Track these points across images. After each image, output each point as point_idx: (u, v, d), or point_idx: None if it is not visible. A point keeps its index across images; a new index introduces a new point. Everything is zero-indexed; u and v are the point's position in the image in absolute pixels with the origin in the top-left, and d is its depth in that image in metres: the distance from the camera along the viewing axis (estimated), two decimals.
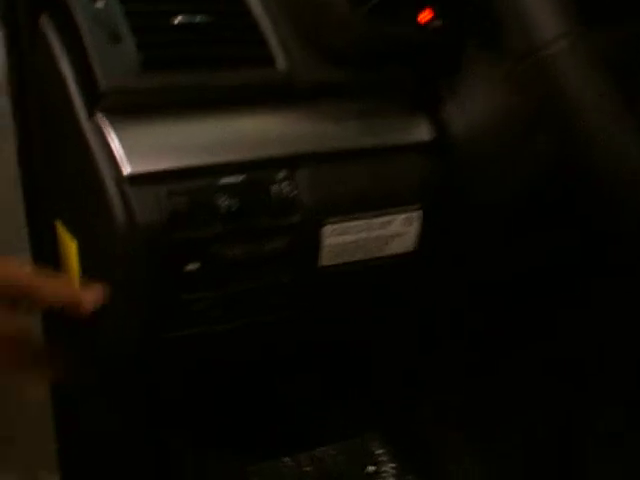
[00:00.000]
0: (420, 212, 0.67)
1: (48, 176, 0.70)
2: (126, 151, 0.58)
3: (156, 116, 0.60)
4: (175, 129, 0.60)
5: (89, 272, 0.65)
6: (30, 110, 0.68)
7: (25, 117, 0.70)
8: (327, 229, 0.64)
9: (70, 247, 0.67)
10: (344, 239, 0.65)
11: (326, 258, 0.65)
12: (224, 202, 0.60)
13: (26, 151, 0.71)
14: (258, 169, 0.61)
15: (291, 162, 0.63)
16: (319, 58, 0.65)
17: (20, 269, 0.54)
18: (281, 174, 0.62)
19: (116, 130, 0.59)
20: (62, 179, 0.67)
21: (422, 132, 0.68)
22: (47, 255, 0.72)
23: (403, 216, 0.67)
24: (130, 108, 0.60)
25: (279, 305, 0.67)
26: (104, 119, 0.59)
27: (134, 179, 0.58)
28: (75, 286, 0.58)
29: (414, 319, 0.86)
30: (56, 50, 0.62)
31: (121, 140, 0.58)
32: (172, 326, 0.64)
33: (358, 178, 0.65)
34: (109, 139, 0.59)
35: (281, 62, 0.64)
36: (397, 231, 0.67)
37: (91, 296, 0.58)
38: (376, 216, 0.66)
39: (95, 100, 0.59)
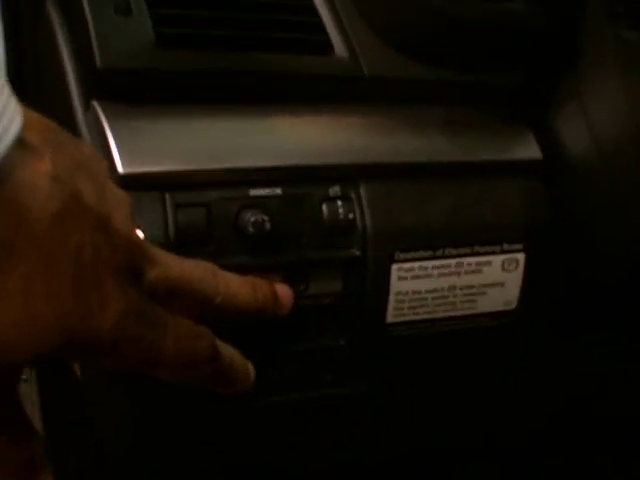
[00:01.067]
0: (524, 254, 0.49)
1: None
2: (123, 146, 0.43)
3: (169, 107, 0.45)
4: (193, 124, 0.45)
5: None
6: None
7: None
8: (397, 269, 0.46)
9: None
10: (420, 285, 0.47)
11: (394, 312, 0.47)
12: (253, 221, 0.43)
13: None
14: (302, 181, 0.45)
15: (351, 174, 0.46)
16: (392, 51, 0.49)
17: (200, 267, 0.40)
18: (335, 189, 0.46)
19: (114, 120, 0.44)
20: None
21: (529, 148, 0.50)
22: None
23: (503, 257, 0.49)
24: (136, 95, 0.45)
25: (328, 379, 0.49)
26: (102, 106, 0.44)
27: (130, 181, 0.42)
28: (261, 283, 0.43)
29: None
30: (55, 25, 0.48)
31: (119, 132, 0.43)
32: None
33: (441, 202, 0.47)
34: (105, 130, 0.43)
35: (342, 50, 0.49)
36: (495, 278, 0.49)
37: (288, 294, 0.44)
38: (466, 255, 0.48)
39: (92, 82, 0.45)
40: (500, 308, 0.50)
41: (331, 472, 0.55)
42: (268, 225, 0.43)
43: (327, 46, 0.48)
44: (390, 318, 0.47)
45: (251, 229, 0.43)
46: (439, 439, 0.56)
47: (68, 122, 0.46)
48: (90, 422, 0.55)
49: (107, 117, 0.44)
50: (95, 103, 0.45)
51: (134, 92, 0.45)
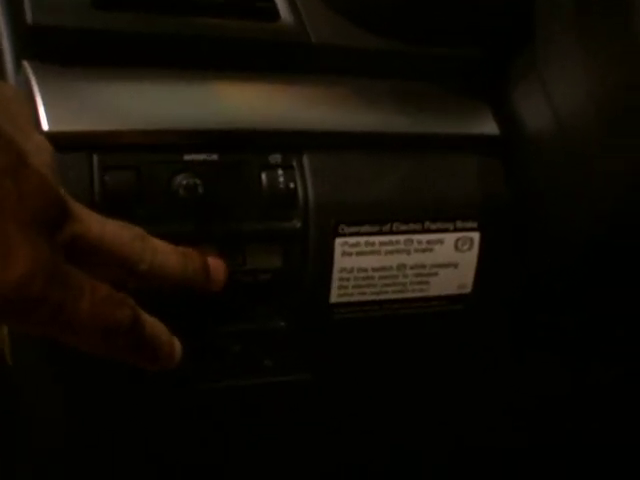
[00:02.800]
0: (479, 233, 0.46)
1: None
2: (51, 104, 0.40)
3: (104, 69, 0.43)
4: (128, 87, 0.43)
5: None
6: None
7: None
8: (341, 243, 0.44)
9: None
10: (366, 262, 0.44)
11: (339, 291, 0.44)
12: (185, 184, 0.40)
13: None
14: (241, 147, 0.43)
15: (293, 142, 0.43)
16: (341, 19, 0.47)
17: (126, 230, 0.37)
18: (275, 157, 0.43)
19: (44, 78, 0.41)
20: None
21: (486, 124, 0.48)
22: None
23: (456, 236, 0.46)
24: (70, 55, 0.42)
25: (268, 365, 0.46)
26: (32, 66, 0.42)
27: (55, 140, 0.39)
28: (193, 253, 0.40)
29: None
30: None
31: (48, 90, 0.41)
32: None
33: (390, 175, 0.45)
34: (33, 88, 0.41)
35: (288, 17, 0.46)
36: (447, 258, 0.46)
37: (221, 268, 0.41)
38: (416, 231, 0.45)
39: (23, 40, 0.43)
40: (454, 291, 0.47)
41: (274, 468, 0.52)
42: (201, 189, 0.40)
43: (272, 12, 0.46)
44: (334, 298, 0.44)
45: (182, 192, 0.40)
46: (389, 436, 0.53)
47: None
48: (21, 413, 0.52)
49: (37, 76, 0.41)
50: (26, 62, 0.42)
51: (67, 52, 0.42)
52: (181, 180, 0.40)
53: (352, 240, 0.44)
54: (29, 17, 0.42)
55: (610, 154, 0.44)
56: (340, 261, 0.44)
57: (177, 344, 0.38)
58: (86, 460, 0.49)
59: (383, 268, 0.45)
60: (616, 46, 0.45)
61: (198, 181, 0.40)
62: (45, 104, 0.40)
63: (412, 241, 0.45)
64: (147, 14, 0.44)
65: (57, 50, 0.42)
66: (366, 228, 0.44)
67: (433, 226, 0.45)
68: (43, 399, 0.48)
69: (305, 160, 0.43)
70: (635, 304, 0.49)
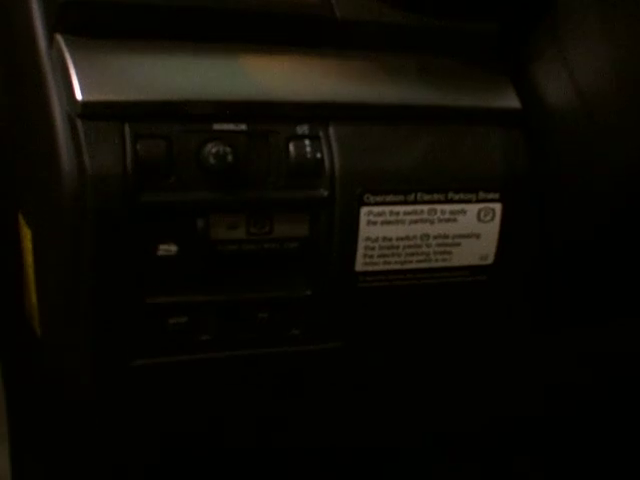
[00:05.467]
0: (501, 204, 0.47)
1: (9, 158, 0.54)
2: (85, 75, 0.41)
3: (135, 41, 0.44)
4: (159, 58, 0.43)
5: (40, 264, 0.48)
6: None
7: None
8: (366, 212, 0.45)
9: (26, 237, 0.50)
10: (391, 231, 0.45)
11: (364, 259, 0.45)
12: (214, 152, 0.41)
13: None
14: (269, 117, 0.43)
15: (320, 113, 0.44)
16: None
17: None
18: (303, 127, 0.44)
19: (77, 51, 0.42)
20: (23, 152, 0.51)
21: (507, 97, 0.48)
22: (9, 251, 0.54)
23: (478, 207, 0.47)
24: (100, 28, 0.43)
25: (292, 332, 0.47)
26: (64, 39, 0.43)
27: (89, 109, 0.41)
28: None
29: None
30: None
31: (81, 62, 0.42)
32: (134, 350, 0.45)
33: (415, 146, 0.46)
34: (67, 60, 0.42)
35: None
36: (470, 229, 0.47)
37: None
38: (439, 202, 0.46)
39: (55, 15, 0.44)
40: (476, 262, 0.47)
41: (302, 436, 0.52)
42: (230, 157, 0.41)
43: None
44: (359, 266, 0.45)
45: (212, 160, 0.41)
46: (415, 403, 0.54)
47: (32, 60, 0.45)
48: (53, 386, 0.53)
49: (69, 49, 0.42)
50: (58, 36, 0.43)
51: (98, 25, 0.43)
52: (211, 148, 0.41)
53: (377, 209, 0.45)
54: None
55: (631, 123, 0.45)
56: (365, 230, 0.45)
57: None
58: (114, 427, 0.50)
59: (407, 237, 0.46)
60: (638, 17, 0.46)
61: (228, 149, 0.41)
62: (78, 76, 0.41)
63: (435, 211, 0.46)
64: None
65: (88, 23, 0.43)
66: (391, 197, 0.45)
67: (456, 197, 0.46)
68: (72, 369, 0.49)
69: (331, 131, 0.44)
70: None
